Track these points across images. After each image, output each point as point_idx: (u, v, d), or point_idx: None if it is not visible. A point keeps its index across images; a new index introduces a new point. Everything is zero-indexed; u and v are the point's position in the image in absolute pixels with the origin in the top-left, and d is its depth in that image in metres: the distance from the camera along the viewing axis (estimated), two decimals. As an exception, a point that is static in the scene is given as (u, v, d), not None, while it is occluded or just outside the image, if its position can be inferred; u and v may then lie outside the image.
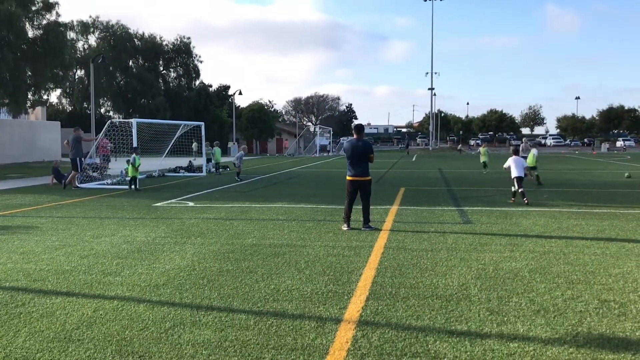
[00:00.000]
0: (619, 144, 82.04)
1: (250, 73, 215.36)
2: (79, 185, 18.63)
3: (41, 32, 34.97)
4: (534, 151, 19.16)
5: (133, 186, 17.51)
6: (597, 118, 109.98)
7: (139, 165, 17.63)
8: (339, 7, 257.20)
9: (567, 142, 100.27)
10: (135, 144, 19.20)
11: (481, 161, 26.76)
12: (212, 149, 28.05)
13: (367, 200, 9.96)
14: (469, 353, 4.24)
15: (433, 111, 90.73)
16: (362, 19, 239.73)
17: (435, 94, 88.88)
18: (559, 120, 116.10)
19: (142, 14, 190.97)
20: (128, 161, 18.88)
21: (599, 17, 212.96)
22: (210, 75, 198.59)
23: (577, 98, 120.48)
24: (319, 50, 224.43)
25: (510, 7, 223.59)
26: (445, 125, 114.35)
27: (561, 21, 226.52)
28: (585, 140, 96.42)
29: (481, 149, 27.80)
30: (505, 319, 5.01)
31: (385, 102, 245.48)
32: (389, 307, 5.37)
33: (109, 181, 20.05)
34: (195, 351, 4.30)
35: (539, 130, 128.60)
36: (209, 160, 27.97)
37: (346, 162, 10.18)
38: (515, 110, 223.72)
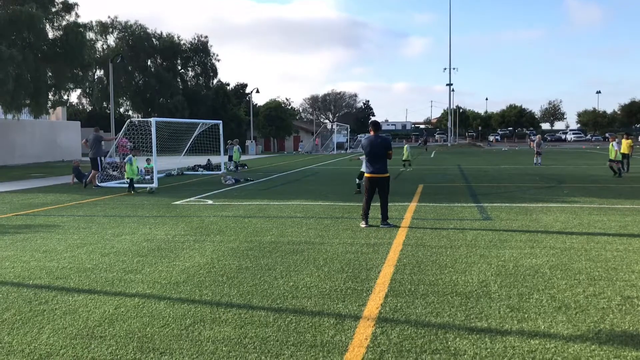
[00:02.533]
0: None
1: (268, 71, 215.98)
2: (99, 184, 18.87)
3: (61, 33, 35.34)
4: (614, 144, 20.24)
5: (132, 189, 16.78)
6: (619, 112, 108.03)
7: (136, 168, 17.58)
8: (358, 4, 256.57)
9: (588, 137, 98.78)
10: (154, 143, 19.25)
11: (403, 159, 28.01)
12: (236, 146, 28.24)
13: (386, 197, 9.92)
14: (489, 350, 4.21)
15: (451, 107, 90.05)
16: (381, 16, 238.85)
17: (453, 90, 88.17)
18: (579, 115, 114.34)
19: (159, 13, 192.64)
20: (148, 160, 19.01)
21: (621, 9, 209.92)
22: (228, 73, 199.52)
23: (598, 92, 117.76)
24: (337, 49, 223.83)
25: (530, 0, 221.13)
26: (463, 121, 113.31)
27: (582, 14, 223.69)
28: (607, 134, 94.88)
29: (405, 146, 29.15)
30: (526, 315, 4.97)
31: (403, 99, 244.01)
32: (408, 304, 5.35)
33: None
34: (216, 348, 4.33)
35: (559, 125, 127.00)
36: (230, 159, 28.13)
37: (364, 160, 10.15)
38: (535, 106, 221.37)
